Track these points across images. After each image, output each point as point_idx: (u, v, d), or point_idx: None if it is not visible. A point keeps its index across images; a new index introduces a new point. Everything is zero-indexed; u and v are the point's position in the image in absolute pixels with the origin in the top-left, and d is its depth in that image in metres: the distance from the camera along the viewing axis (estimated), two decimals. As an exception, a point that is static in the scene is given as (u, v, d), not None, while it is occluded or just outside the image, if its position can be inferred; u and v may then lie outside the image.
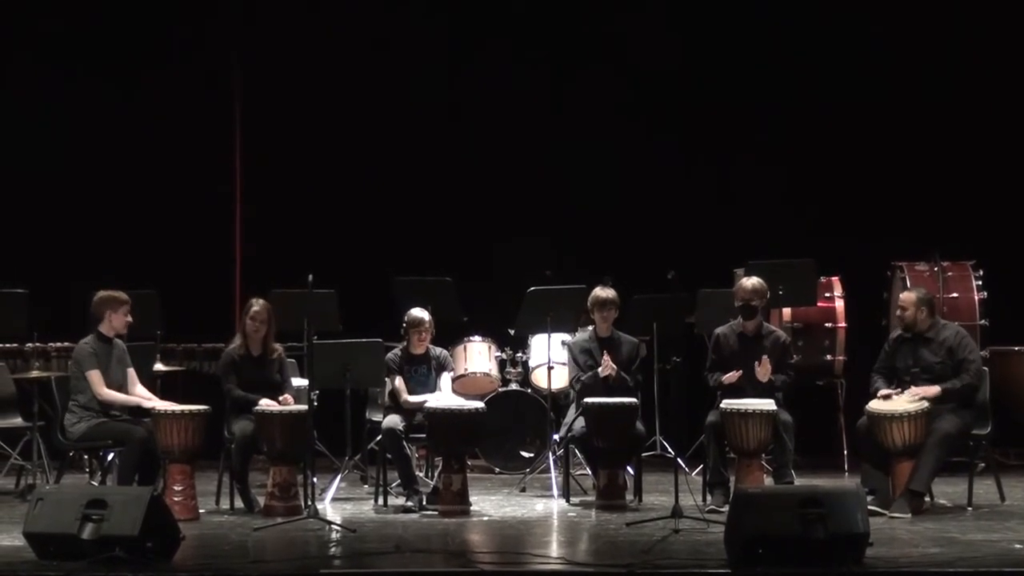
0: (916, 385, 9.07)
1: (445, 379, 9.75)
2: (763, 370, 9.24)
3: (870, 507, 7.86)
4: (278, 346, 9.58)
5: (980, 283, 10.91)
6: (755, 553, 7.11)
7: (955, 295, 10.88)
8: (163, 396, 9.66)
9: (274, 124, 12.23)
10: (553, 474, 10.02)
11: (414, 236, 12.12)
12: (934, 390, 9.00)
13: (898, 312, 9.35)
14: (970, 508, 9.12)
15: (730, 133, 12.22)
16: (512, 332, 10.78)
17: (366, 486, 10.25)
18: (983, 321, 10.83)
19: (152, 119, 12.13)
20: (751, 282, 9.43)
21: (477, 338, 11.07)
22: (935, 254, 10.99)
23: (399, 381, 9.63)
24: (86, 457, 10.09)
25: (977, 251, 11.12)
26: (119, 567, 7.05)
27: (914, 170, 12.08)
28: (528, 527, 8.73)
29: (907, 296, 9.32)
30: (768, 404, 9.11)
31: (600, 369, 9.54)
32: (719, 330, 9.51)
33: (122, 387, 9.29)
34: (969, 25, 12.00)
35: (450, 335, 10.66)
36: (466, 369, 10.92)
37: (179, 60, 12.23)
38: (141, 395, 9.34)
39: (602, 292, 9.72)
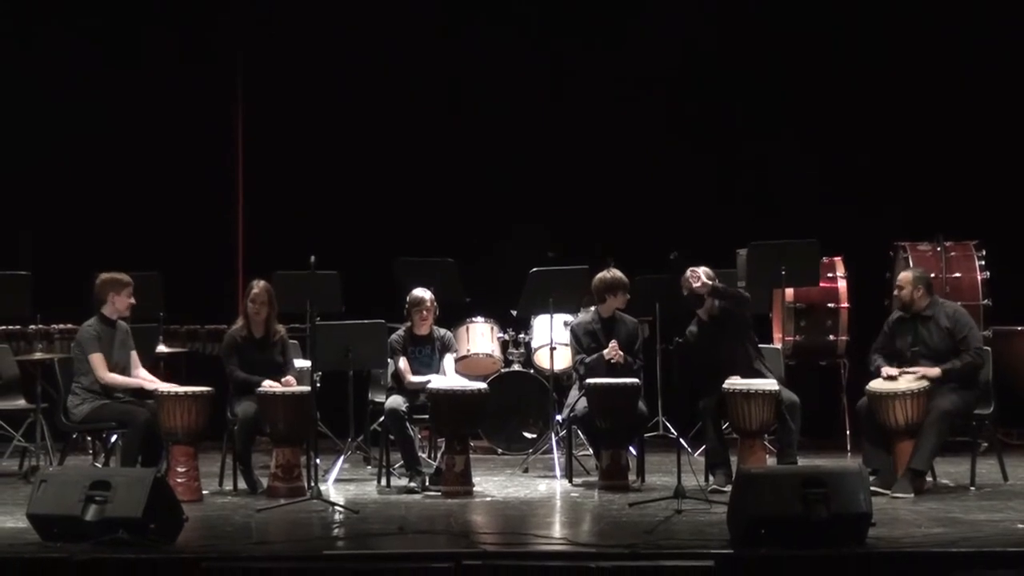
0: (917, 365, 9.08)
1: (449, 361, 9.75)
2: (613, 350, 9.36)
3: (872, 487, 7.86)
4: (280, 328, 9.58)
5: (983, 263, 10.90)
6: (757, 533, 7.11)
7: (958, 275, 10.87)
8: (166, 378, 9.66)
9: (276, 106, 12.23)
10: (556, 455, 10.02)
11: (417, 217, 12.11)
12: (935, 371, 9.00)
13: (895, 291, 9.36)
14: (973, 488, 9.12)
15: (732, 113, 12.20)
16: (515, 313, 10.78)
17: (369, 467, 10.26)
18: (986, 301, 10.82)
19: (155, 101, 12.13)
20: (695, 271, 9.35)
21: (479, 319, 11.07)
22: (938, 234, 10.98)
23: (403, 362, 9.63)
24: (89, 439, 10.10)
25: (980, 231, 11.11)
26: (123, 548, 7.06)
27: (917, 150, 12.05)
28: (531, 508, 8.74)
29: (904, 275, 9.33)
30: (771, 384, 9.12)
31: (605, 352, 9.53)
32: (687, 331, 9.44)
33: (125, 369, 9.30)
34: (973, 6, 11.96)
35: (452, 316, 10.66)
36: (468, 350, 10.92)
37: (182, 42, 12.21)
38: (143, 378, 9.34)
39: (619, 274, 9.68)
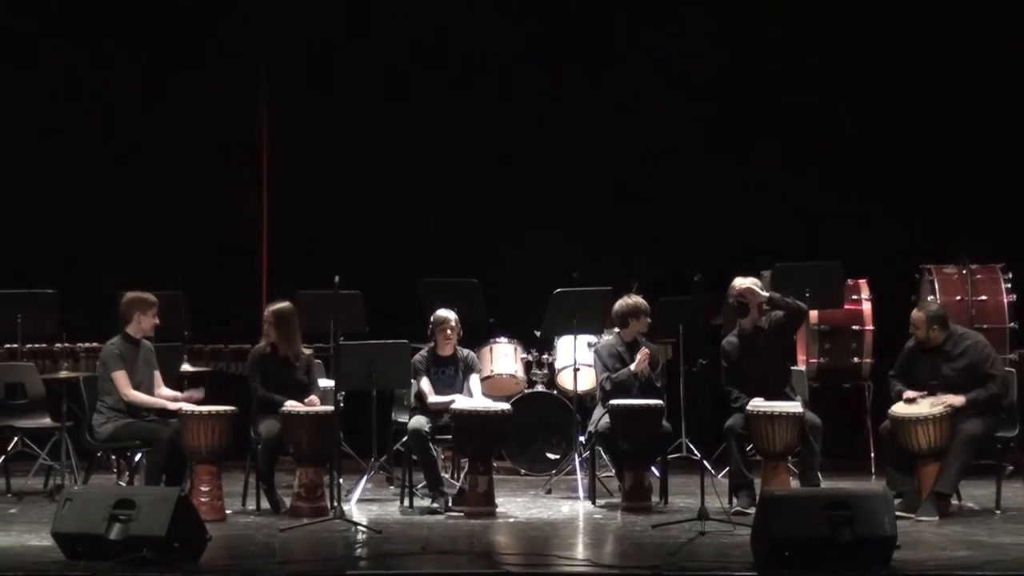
0: (937, 395, 9.02)
1: (475, 381, 9.75)
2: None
3: (897, 511, 7.82)
4: (307, 349, 9.60)
5: (1009, 286, 10.86)
6: (781, 556, 7.09)
7: (984, 298, 10.83)
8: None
9: (300, 127, 12.27)
10: (579, 476, 10.01)
11: (440, 238, 12.14)
12: (960, 400, 8.94)
13: (910, 330, 9.28)
14: (998, 511, 9.07)
15: (758, 134, 12.20)
16: (538, 334, 10.78)
17: (392, 487, 10.26)
18: (1012, 324, 10.77)
19: (180, 121, 12.18)
20: (742, 281, 9.38)
21: (503, 339, 11.08)
22: (964, 256, 10.94)
23: (425, 383, 9.63)
24: (114, 457, 10.12)
25: (1006, 253, 11.07)
26: (146, 567, 7.08)
27: (943, 172, 12.02)
28: (554, 529, 8.73)
29: (917, 315, 9.22)
30: (794, 406, 9.09)
31: (633, 365, 9.52)
32: (724, 341, 9.49)
33: (148, 389, 9.32)
34: (998, 26, 11.94)
35: (476, 336, 10.66)
36: (492, 370, 10.93)
37: (207, 62, 12.27)
38: (166, 396, 9.37)
39: (640, 299, 9.70)
